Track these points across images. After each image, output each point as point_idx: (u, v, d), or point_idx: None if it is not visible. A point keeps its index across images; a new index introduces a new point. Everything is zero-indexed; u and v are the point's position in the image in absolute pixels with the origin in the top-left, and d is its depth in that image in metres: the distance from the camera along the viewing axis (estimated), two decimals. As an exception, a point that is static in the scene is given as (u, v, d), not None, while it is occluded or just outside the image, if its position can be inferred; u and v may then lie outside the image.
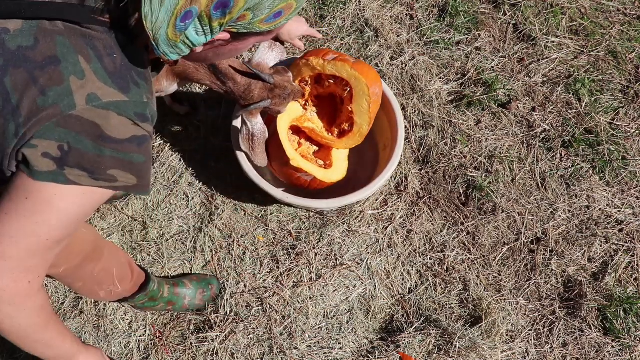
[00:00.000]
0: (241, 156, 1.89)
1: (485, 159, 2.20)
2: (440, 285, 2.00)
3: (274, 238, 2.07)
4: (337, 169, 1.99)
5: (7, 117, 0.90)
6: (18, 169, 0.94)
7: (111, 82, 0.92)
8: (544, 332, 1.92)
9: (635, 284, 1.98)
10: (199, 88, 2.32)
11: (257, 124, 1.76)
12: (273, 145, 1.91)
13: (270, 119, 1.97)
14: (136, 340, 1.90)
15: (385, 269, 2.02)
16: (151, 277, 1.78)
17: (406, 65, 2.36)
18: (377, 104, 1.92)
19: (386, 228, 2.08)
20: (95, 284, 1.57)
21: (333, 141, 1.97)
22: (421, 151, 2.22)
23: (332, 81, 1.92)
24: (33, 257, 0.97)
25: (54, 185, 0.92)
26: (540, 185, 2.16)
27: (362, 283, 2.00)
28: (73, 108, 0.89)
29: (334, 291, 1.98)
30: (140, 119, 0.95)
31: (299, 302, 1.96)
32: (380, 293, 1.99)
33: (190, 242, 2.06)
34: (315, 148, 2.05)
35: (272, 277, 2.00)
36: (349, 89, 1.88)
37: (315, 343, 1.90)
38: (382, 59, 2.37)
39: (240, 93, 1.69)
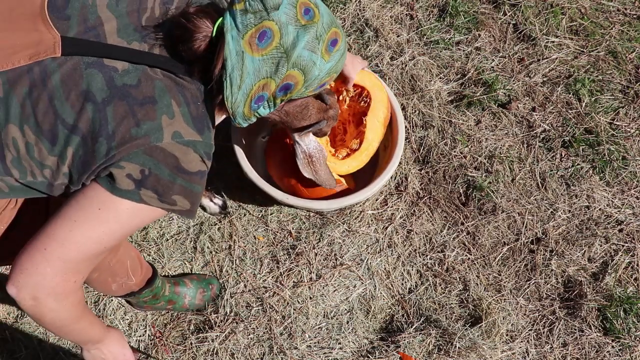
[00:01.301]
0: (241, 157, 1.89)
1: (485, 159, 2.20)
2: (440, 285, 2.00)
3: (274, 238, 2.07)
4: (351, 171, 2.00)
5: (101, 140, 1.05)
6: (92, 182, 1.09)
7: (192, 125, 1.10)
8: (544, 332, 1.93)
9: (635, 284, 1.99)
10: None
11: (311, 142, 1.70)
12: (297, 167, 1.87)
13: (281, 136, 1.95)
14: (136, 340, 1.90)
15: (385, 269, 2.02)
16: (157, 273, 1.79)
17: (406, 65, 2.36)
18: (387, 121, 1.94)
19: (386, 228, 2.08)
20: (109, 275, 1.59)
21: (334, 163, 1.89)
22: (421, 151, 2.22)
23: (351, 92, 1.94)
24: (88, 260, 1.12)
25: (128, 202, 1.08)
26: (540, 185, 2.16)
27: (362, 283, 2.00)
28: (160, 141, 1.06)
29: (334, 291, 1.99)
30: (207, 157, 1.14)
31: (299, 302, 1.96)
32: (380, 293, 1.99)
33: (190, 242, 2.06)
34: None
35: (272, 277, 2.00)
36: (367, 101, 1.90)
37: (315, 343, 1.90)
38: (382, 59, 2.37)
39: (296, 113, 1.59)
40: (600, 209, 2.11)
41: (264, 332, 1.91)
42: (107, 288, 1.66)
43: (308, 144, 1.70)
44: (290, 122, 1.60)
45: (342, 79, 1.88)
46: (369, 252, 2.05)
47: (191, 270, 2.02)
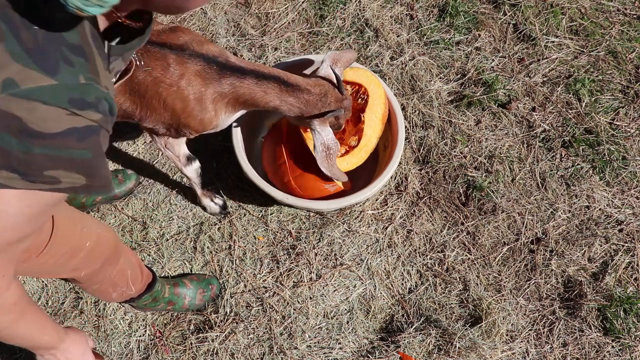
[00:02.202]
0: (241, 157, 1.89)
1: (485, 159, 2.20)
2: (440, 285, 2.00)
3: (274, 238, 2.07)
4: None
5: None
6: None
7: (32, 63, 0.72)
8: (544, 332, 1.93)
9: (635, 284, 1.99)
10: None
11: (330, 133, 1.72)
12: (297, 162, 1.87)
13: (276, 134, 1.94)
14: (136, 340, 1.90)
15: (385, 269, 2.02)
16: (157, 277, 1.79)
17: (406, 65, 2.36)
18: (385, 118, 1.94)
19: (386, 228, 2.08)
20: (110, 285, 1.57)
21: None
22: (421, 151, 2.22)
23: (349, 91, 1.95)
24: None
25: None
26: (540, 185, 2.16)
27: (362, 283, 2.00)
28: None
29: (334, 291, 1.99)
30: (78, 106, 0.75)
31: (299, 302, 1.96)
32: (380, 293, 1.99)
33: (190, 242, 2.06)
34: None
35: (272, 277, 2.00)
36: (365, 98, 1.90)
37: (315, 343, 1.90)
38: (382, 59, 2.37)
39: (315, 101, 1.66)
40: (600, 209, 2.11)
41: (264, 332, 1.91)
42: (108, 297, 1.65)
43: (327, 134, 1.71)
44: (310, 111, 1.66)
45: None
46: (369, 252, 2.04)
47: (191, 270, 2.02)
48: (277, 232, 2.08)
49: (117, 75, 1.07)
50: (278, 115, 2.13)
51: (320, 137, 1.71)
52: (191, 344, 1.88)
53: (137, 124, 1.72)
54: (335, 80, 1.73)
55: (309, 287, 1.98)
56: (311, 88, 1.67)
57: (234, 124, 1.94)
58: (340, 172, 1.78)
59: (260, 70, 1.63)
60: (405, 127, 2.22)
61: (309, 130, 1.92)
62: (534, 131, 2.25)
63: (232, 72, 1.60)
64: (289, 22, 2.46)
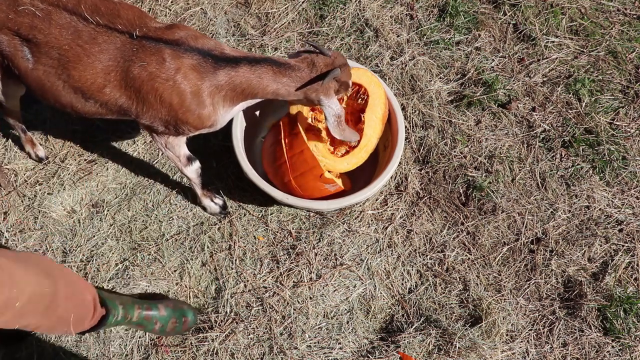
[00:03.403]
0: (241, 157, 1.89)
1: (485, 159, 2.20)
2: (440, 285, 2.00)
3: (274, 238, 2.07)
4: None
5: None
6: None
7: None
8: (544, 332, 1.93)
9: (635, 284, 1.99)
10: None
11: (337, 103, 1.75)
12: (297, 162, 1.86)
13: (276, 135, 1.95)
14: (136, 341, 1.90)
15: (385, 269, 2.02)
16: (111, 312, 1.66)
17: (406, 65, 2.36)
18: (385, 118, 1.94)
19: (386, 228, 2.08)
20: (47, 329, 1.50)
21: (334, 161, 1.89)
22: (421, 151, 2.22)
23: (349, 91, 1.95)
24: None
25: None
26: (540, 185, 2.16)
27: (362, 283, 2.00)
28: None
29: (334, 291, 1.99)
30: None
31: (299, 302, 1.96)
32: (380, 293, 1.99)
33: (190, 242, 2.06)
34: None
35: (272, 277, 2.00)
36: (365, 98, 1.90)
37: (315, 343, 1.90)
38: (382, 59, 2.37)
39: (308, 74, 1.67)
40: (600, 209, 2.11)
41: (264, 332, 1.91)
42: (52, 333, 1.57)
43: (335, 105, 1.74)
44: (302, 86, 1.68)
45: None
46: (369, 252, 2.04)
47: (189, 272, 2.02)
48: (277, 232, 2.08)
49: None
50: (278, 115, 2.13)
51: (332, 110, 1.74)
52: (191, 344, 1.88)
53: (135, 121, 1.72)
54: (314, 50, 1.73)
55: (309, 287, 1.98)
56: (299, 63, 1.68)
57: (234, 123, 1.94)
58: (351, 132, 1.80)
59: (251, 56, 1.64)
60: (405, 127, 2.22)
61: (315, 125, 1.93)
62: (534, 131, 2.25)
63: (226, 62, 1.60)
64: (289, 22, 2.46)
